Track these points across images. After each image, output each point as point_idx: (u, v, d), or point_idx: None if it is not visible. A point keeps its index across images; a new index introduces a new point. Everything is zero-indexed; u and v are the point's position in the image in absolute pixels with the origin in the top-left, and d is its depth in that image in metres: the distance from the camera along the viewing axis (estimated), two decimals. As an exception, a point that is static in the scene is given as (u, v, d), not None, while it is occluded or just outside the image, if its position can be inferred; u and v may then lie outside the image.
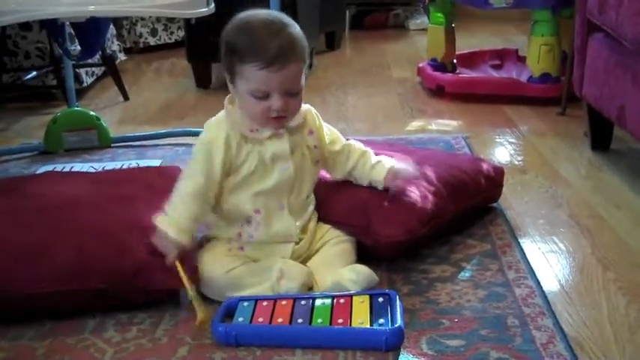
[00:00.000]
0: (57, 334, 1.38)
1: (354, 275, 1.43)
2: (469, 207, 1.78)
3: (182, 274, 1.42)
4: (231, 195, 1.53)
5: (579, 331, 1.35)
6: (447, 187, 1.71)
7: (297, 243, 1.55)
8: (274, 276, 1.43)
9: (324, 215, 1.62)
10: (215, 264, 1.49)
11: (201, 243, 1.57)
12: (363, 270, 1.45)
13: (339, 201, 1.62)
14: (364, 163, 1.62)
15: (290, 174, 1.53)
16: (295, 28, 1.48)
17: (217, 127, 1.51)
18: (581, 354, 1.27)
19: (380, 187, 1.61)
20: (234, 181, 1.51)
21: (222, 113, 1.54)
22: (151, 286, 1.44)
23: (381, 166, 1.61)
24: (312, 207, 1.61)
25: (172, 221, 1.45)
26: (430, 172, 1.74)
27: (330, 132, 1.63)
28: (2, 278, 1.40)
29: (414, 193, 1.63)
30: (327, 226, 1.60)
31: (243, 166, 1.50)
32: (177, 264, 1.43)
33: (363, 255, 1.58)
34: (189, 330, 1.38)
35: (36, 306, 1.42)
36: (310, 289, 1.46)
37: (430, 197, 1.64)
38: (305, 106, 1.58)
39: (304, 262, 1.53)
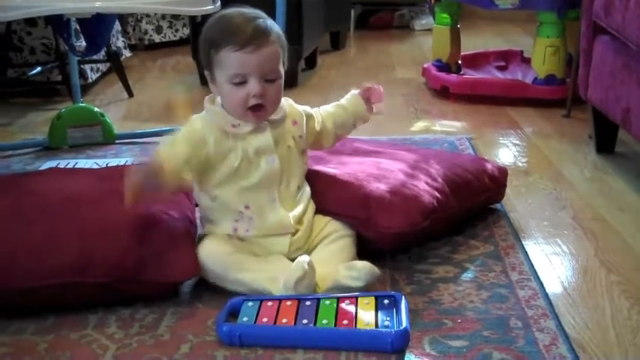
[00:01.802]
0: (59, 329, 1.38)
1: (355, 272, 1.43)
2: (472, 206, 1.78)
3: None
4: (217, 189, 1.53)
5: (582, 333, 1.35)
6: (450, 185, 1.71)
7: (293, 234, 1.55)
8: (281, 284, 1.42)
9: (325, 207, 1.62)
10: (217, 246, 1.50)
11: (199, 240, 1.56)
12: (363, 265, 1.44)
13: (340, 193, 1.62)
14: (338, 113, 1.66)
15: (276, 167, 1.53)
16: (272, 22, 1.52)
17: (195, 121, 1.53)
18: (584, 356, 1.27)
19: (365, 112, 1.67)
20: (218, 176, 1.52)
21: (202, 114, 1.55)
22: (154, 279, 1.44)
23: (350, 98, 1.68)
24: (306, 197, 1.61)
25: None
26: (434, 170, 1.74)
27: (308, 115, 1.63)
28: (3, 272, 1.40)
29: (417, 187, 1.63)
30: (326, 219, 1.60)
31: (224, 162, 1.51)
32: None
33: (365, 250, 1.58)
34: (191, 327, 1.38)
35: (38, 300, 1.42)
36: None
37: (433, 192, 1.65)
38: (286, 100, 1.59)
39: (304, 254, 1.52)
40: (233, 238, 1.53)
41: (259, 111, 1.50)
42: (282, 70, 1.52)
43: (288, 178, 1.57)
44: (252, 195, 1.52)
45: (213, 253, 1.49)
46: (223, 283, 1.47)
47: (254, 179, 1.52)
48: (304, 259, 1.43)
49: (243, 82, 1.47)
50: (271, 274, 1.45)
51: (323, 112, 1.66)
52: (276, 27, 1.52)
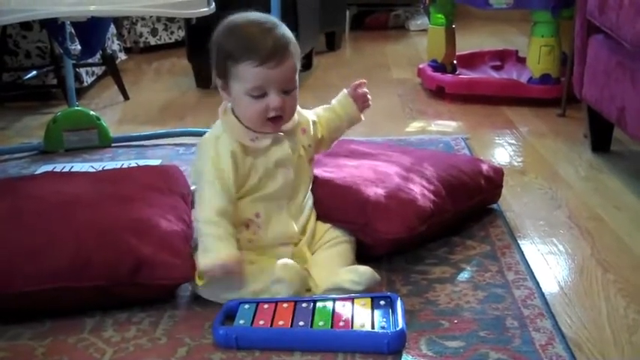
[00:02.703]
0: (56, 333, 1.38)
1: (356, 276, 1.43)
2: (468, 207, 1.78)
3: None
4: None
5: (578, 332, 1.35)
6: (446, 187, 1.71)
7: (296, 244, 1.54)
8: (269, 280, 1.41)
9: (323, 214, 1.62)
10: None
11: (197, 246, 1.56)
12: (365, 270, 1.44)
13: (338, 199, 1.62)
14: (332, 118, 1.64)
15: (291, 177, 1.53)
16: (285, 28, 1.49)
17: (217, 143, 1.49)
18: (580, 355, 1.27)
19: (356, 114, 1.65)
20: (239, 192, 1.50)
21: (217, 127, 1.52)
22: (151, 282, 1.44)
23: (340, 99, 1.65)
24: (309, 206, 1.60)
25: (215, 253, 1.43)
26: (429, 172, 1.74)
27: (314, 122, 1.61)
28: (1, 276, 1.39)
29: (414, 191, 1.63)
30: (326, 226, 1.60)
31: (247, 179, 1.49)
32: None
33: (362, 254, 1.58)
34: (188, 330, 1.38)
35: (35, 304, 1.42)
36: (308, 290, 1.45)
37: (430, 196, 1.65)
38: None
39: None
40: None
41: (278, 122, 1.49)
42: (297, 80, 1.50)
43: (298, 188, 1.56)
44: (263, 204, 1.51)
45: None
46: (220, 300, 1.45)
47: (269, 190, 1.51)
48: (284, 260, 1.43)
49: (262, 95, 1.45)
50: (266, 283, 1.44)
51: (320, 119, 1.64)
52: (290, 34, 1.49)
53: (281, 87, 1.46)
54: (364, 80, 1.66)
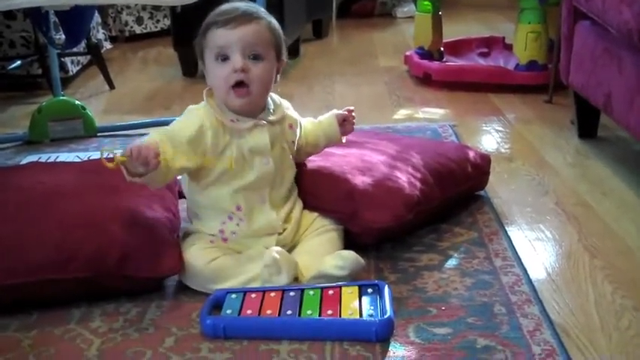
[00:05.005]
0: (43, 324, 1.37)
1: (340, 261, 1.42)
2: (456, 194, 1.78)
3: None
4: (210, 187, 1.51)
5: (566, 318, 1.35)
6: (434, 175, 1.71)
7: (280, 233, 1.54)
8: (266, 271, 1.41)
9: (311, 203, 1.61)
10: (198, 255, 1.47)
11: (184, 236, 1.55)
12: (348, 255, 1.44)
13: (326, 189, 1.62)
14: (314, 132, 1.64)
15: (270, 168, 1.52)
16: (267, 13, 1.52)
17: (196, 112, 1.50)
18: (568, 341, 1.28)
19: (337, 136, 1.65)
20: (212, 174, 1.50)
21: (202, 103, 1.53)
22: (138, 274, 1.43)
23: (327, 119, 1.65)
24: (293, 196, 1.60)
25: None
26: (416, 160, 1.74)
27: (300, 124, 1.63)
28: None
29: (401, 179, 1.63)
30: (313, 215, 1.60)
31: (221, 157, 1.48)
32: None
33: (350, 243, 1.57)
34: (175, 320, 1.37)
35: (20, 296, 1.41)
36: (296, 279, 1.44)
37: (417, 184, 1.65)
38: (285, 103, 1.59)
39: (289, 251, 1.51)
40: (216, 240, 1.51)
41: (242, 89, 1.47)
42: (271, 54, 1.49)
43: (280, 181, 1.56)
44: (244, 196, 1.51)
45: (192, 265, 1.46)
46: (207, 290, 1.45)
47: (248, 179, 1.50)
48: (274, 248, 1.43)
49: (225, 59, 1.46)
50: (252, 273, 1.44)
51: (304, 128, 1.64)
52: (270, 18, 1.51)
53: (243, 49, 1.46)
54: (352, 107, 1.67)
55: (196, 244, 1.50)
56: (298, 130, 1.60)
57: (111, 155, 1.36)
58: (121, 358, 1.27)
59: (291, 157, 1.59)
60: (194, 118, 1.49)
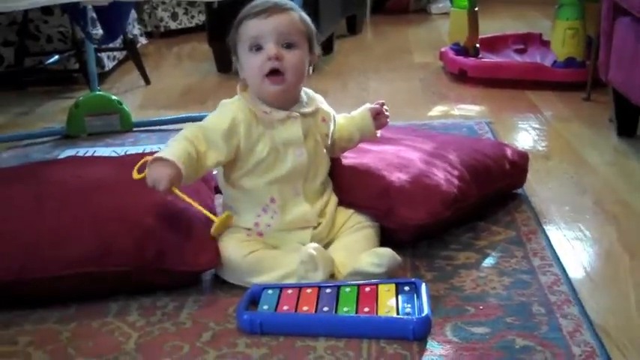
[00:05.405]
0: (81, 317, 1.39)
1: (376, 258, 1.42)
2: (493, 192, 1.77)
3: (181, 195, 1.43)
4: (244, 179, 1.52)
5: (606, 319, 1.33)
6: (471, 172, 1.70)
7: (315, 227, 1.54)
8: (302, 267, 1.41)
9: (346, 200, 1.61)
10: (235, 248, 1.48)
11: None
12: (385, 252, 1.43)
13: (362, 185, 1.61)
14: (348, 128, 1.64)
15: (304, 160, 1.52)
16: (298, 7, 1.53)
17: (230, 106, 1.52)
18: (609, 342, 1.26)
19: (372, 131, 1.65)
20: (246, 166, 1.50)
21: (235, 97, 1.54)
22: (175, 268, 1.44)
23: (361, 113, 1.65)
24: (328, 191, 1.60)
25: (166, 151, 1.45)
26: (453, 157, 1.73)
27: (334, 117, 1.63)
28: (26, 262, 1.40)
29: (438, 176, 1.62)
30: (349, 212, 1.59)
31: (254, 149, 1.49)
32: (174, 189, 1.42)
33: (386, 240, 1.57)
34: (212, 315, 1.38)
35: (59, 289, 1.42)
36: (332, 276, 1.44)
37: (454, 181, 1.63)
38: (319, 97, 1.60)
39: (325, 248, 1.50)
40: (252, 234, 1.52)
41: (276, 76, 1.48)
42: (304, 44, 1.50)
43: (314, 173, 1.55)
44: (278, 188, 1.51)
45: (230, 259, 1.47)
46: (244, 283, 1.46)
47: (281, 171, 1.50)
48: (310, 245, 1.43)
49: (260, 49, 1.48)
50: (289, 268, 1.44)
51: (337, 123, 1.64)
52: (300, 11, 1.52)
53: (277, 38, 1.47)
54: (383, 101, 1.68)
55: (233, 237, 1.50)
56: (332, 124, 1.60)
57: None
58: (159, 351, 1.27)
59: (325, 150, 1.59)
60: (227, 111, 1.50)
